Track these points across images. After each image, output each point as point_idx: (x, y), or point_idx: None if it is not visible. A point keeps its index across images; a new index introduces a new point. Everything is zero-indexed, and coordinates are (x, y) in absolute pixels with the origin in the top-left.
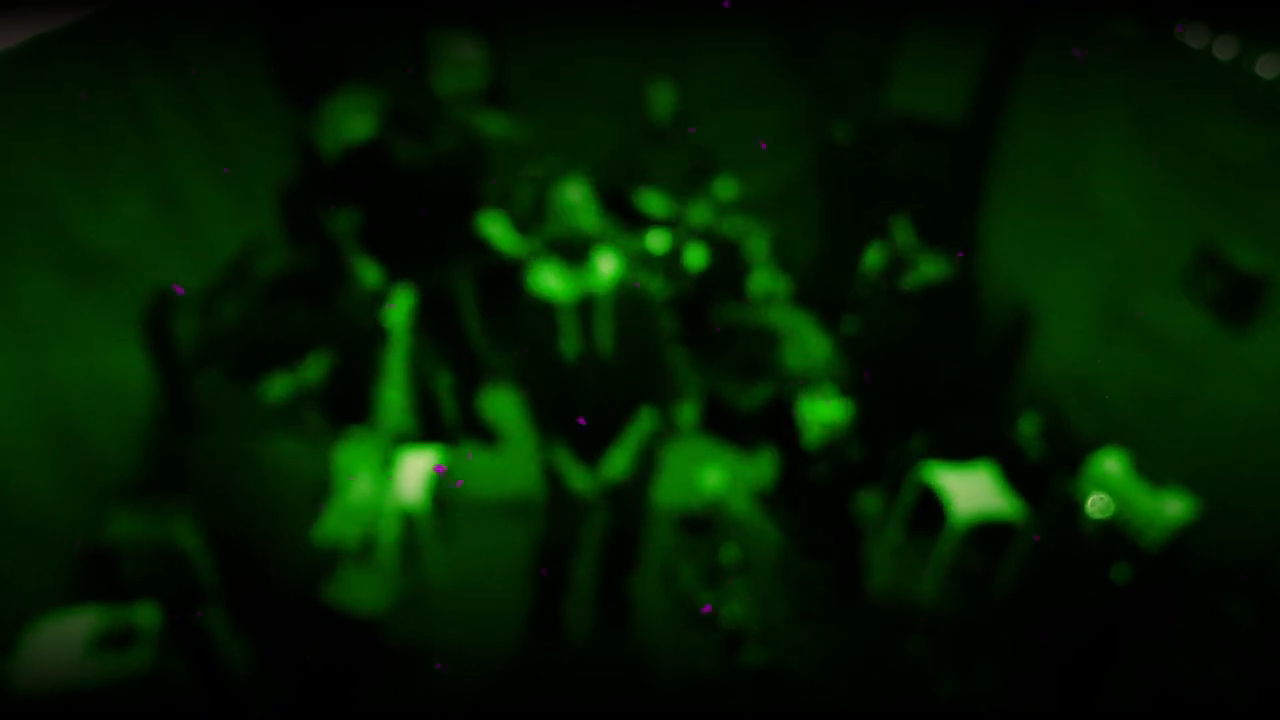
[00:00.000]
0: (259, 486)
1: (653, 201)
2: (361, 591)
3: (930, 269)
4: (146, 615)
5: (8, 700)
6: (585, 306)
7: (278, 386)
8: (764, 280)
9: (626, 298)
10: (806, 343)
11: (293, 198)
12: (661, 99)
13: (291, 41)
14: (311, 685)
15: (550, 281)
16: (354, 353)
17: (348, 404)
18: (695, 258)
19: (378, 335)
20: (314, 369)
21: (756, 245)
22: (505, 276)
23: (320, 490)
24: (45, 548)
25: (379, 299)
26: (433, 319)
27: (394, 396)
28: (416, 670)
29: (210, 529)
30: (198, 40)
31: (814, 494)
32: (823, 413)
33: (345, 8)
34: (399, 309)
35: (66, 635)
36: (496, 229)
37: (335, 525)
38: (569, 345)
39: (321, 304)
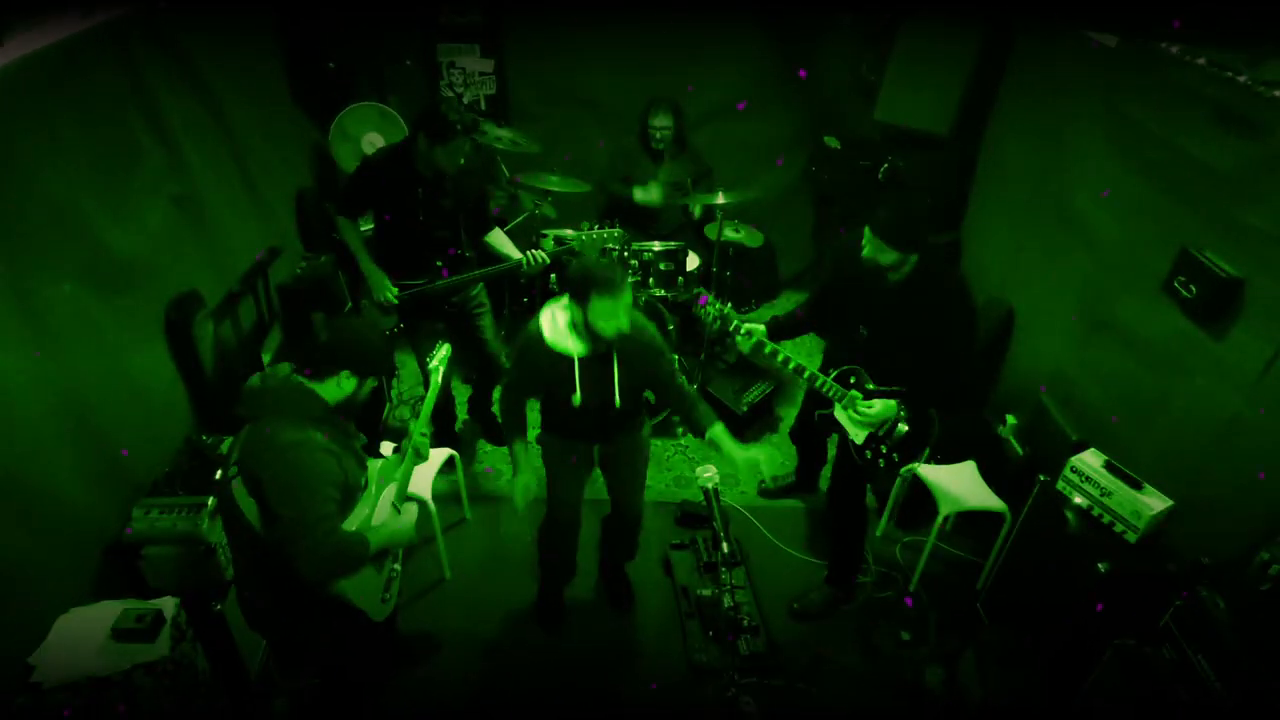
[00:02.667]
0: (303, 473)
1: (651, 191)
2: (371, 591)
3: (910, 264)
4: (167, 608)
5: (35, 690)
6: (595, 358)
7: (343, 387)
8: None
9: (636, 347)
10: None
11: (309, 207)
12: (661, 123)
13: (309, 55)
14: (324, 674)
15: (562, 336)
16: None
17: (375, 413)
18: (694, 263)
19: (392, 345)
20: (370, 383)
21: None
22: (515, 283)
23: (352, 491)
24: (71, 542)
25: (391, 308)
26: (446, 324)
27: (422, 430)
28: (425, 658)
29: (230, 521)
30: (217, 53)
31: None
32: (872, 412)
33: (361, 25)
34: (439, 358)
35: (90, 626)
36: (503, 241)
37: (360, 527)
38: (575, 395)
39: (338, 312)
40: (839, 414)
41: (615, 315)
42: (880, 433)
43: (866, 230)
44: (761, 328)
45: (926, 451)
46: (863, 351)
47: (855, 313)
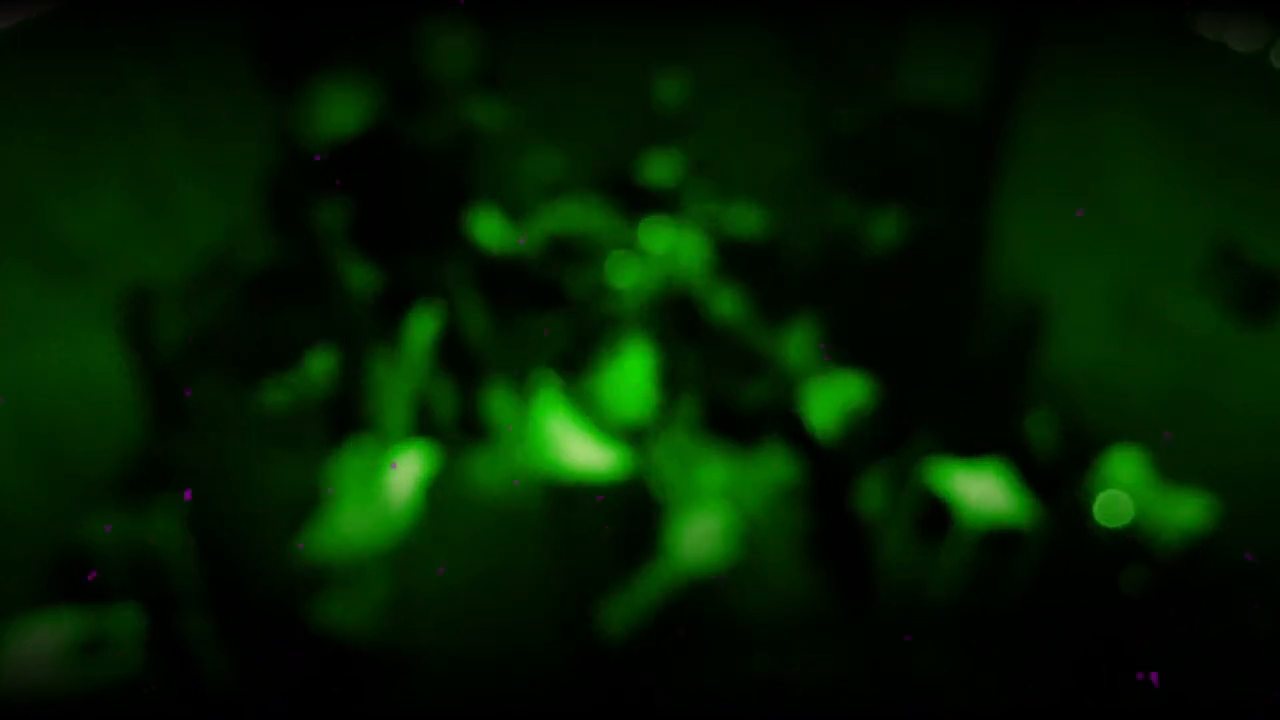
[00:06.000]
0: (245, 495)
1: (658, 169)
2: (346, 612)
3: (883, 231)
4: (127, 620)
5: None
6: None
7: (277, 392)
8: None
9: None
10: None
11: (277, 190)
12: (669, 91)
13: (275, 27)
14: (296, 694)
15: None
16: (353, 353)
17: (347, 411)
18: (695, 252)
19: (372, 333)
20: (315, 373)
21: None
22: (500, 270)
23: (308, 504)
24: (20, 549)
25: (370, 295)
26: (431, 314)
27: (398, 417)
28: (405, 678)
29: (196, 533)
30: (178, 28)
31: (829, 488)
32: (839, 395)
33: None
34: (419, 332)
35: (42, 641)
36: (488, 223)
37: (322, 543)
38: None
39: (311, 301)
40: (807, 396)
41: (636, 388)
42: (846, 418)
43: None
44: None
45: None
46: (849, 331)
47: (841, 293)
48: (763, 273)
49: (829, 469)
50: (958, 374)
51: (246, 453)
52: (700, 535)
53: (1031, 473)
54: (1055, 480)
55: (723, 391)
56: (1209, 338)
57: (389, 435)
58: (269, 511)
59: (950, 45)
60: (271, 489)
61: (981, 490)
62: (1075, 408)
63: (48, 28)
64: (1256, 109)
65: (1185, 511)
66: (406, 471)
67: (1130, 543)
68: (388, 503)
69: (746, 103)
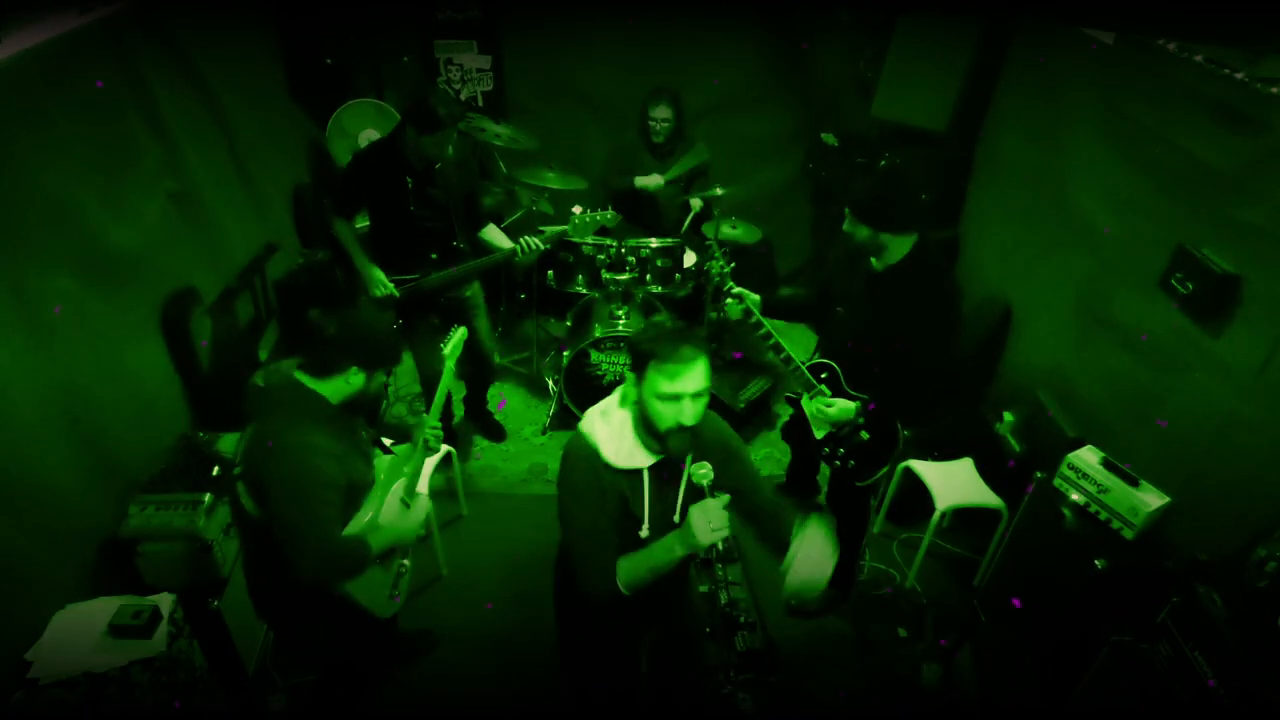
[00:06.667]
0: (301, 478)
1: (652, 178)
2: (378, 589)
3: (896, 250)
4: (164, 605)
5: (32, 685)
6: (664, 466)
7: (351, 383)
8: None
9: (707, 443)
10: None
11: (306, 203)
12: (660, 115)
13: (307, 51)
14: (324, 673)
15: (620, 442)
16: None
17: (376, 408)
18: (691, 260)
19: (399, 336)
20: (379, 377)
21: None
22: (511, 279)
23: (357, 492)
24: (67, 538)
25: (389, 304)
26: (443, 321)
27: (435, 422)
28: (424, 655)
29: (238, 514)
30: (214, 48)
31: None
32: (830, 411)
33: (359, 21)
34: (453, 343)
35: (87, 623)
36: (497, 234)
37: (364, 528)
38: (644, 527)
39: (336, 308)
40: (805, 405)
41: (680, 397)
42: (841, 434)
43: (847, 210)
44: (756, 297)
45: (885, 469)
46: (844, 348)
47: (840, 298)
48: (759, 279)
49: (818, 464)
50: (937, 375)
51: (307, 433)
52: (706, 515)
53: (1000, 466)
54: (1022, 473)
55: (721, 391)
56: (1166, 340)
57: (424, 426)
58: (321, 491)
59: (925, 67)
60: (325, 470)
61: (954, 481)
62: (1040, 406)
63: (88, 47)
64: (1211, 121)
65: (1143, 502)
66: (434, 467)
67: (1092, 533)
68: (418, 495)
69: (741, 122)
